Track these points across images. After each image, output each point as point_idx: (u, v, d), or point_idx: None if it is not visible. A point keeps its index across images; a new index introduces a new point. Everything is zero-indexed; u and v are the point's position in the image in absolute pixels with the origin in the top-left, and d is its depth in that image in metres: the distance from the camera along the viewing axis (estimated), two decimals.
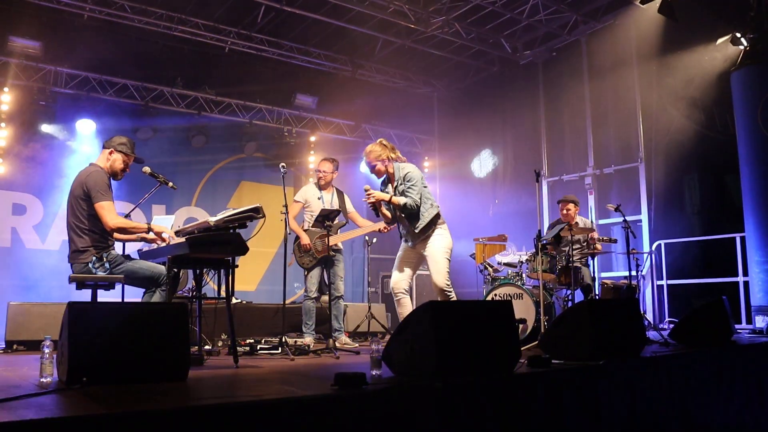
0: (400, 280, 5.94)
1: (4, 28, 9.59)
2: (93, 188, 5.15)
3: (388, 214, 5.95)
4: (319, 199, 7.54)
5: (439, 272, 5.78)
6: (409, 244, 5.98)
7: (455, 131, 13.26)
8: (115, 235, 5.35)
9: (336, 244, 7.38)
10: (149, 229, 5.23)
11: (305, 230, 7.41)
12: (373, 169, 5.95)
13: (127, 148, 5.51)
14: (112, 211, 5.15)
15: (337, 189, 7.76)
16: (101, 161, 5.45)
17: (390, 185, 5.99)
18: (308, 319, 7.32)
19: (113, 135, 5.66)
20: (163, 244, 5.21)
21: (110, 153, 5.45)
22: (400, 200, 5.75)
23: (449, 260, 5.87)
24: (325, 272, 7.41)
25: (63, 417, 2.44)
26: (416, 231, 5.82)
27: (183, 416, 2.65)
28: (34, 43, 9.72)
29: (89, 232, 5.16)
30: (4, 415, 2.48)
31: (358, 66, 12.42)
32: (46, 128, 9.99)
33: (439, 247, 5.82)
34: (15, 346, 6.77)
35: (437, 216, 5.89)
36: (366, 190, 5.80)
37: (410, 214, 5.80)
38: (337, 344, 6.81)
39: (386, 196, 5.78)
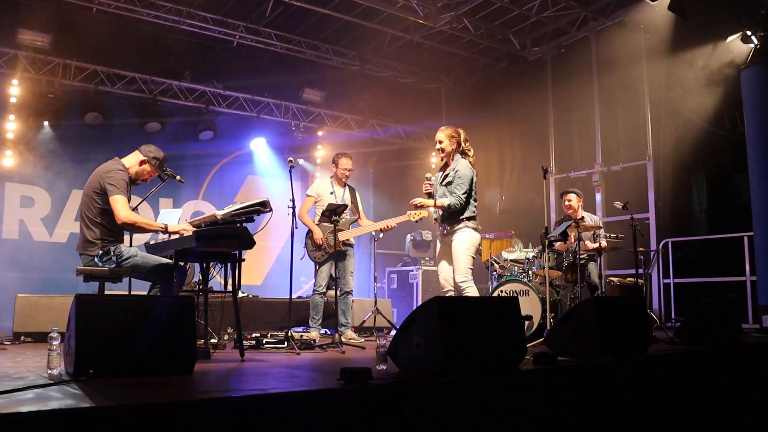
0: (449, 277, 6.07)
1: (13, 20, 9.61)
2: (110, 183, 5.16)
3: (430, 203, 6.14)
4: (331, 194, 7.53)
5: (457, 266, 5.94)
6: (443, 231, 6.15)
7: (463, 127, 13.18)
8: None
9: (348, 240, 7.39)
10: (166, 229, 5.22)
11: (317, 225, 7.39)
12: (440, 143, 6.23)
13: (158, 163, 5.55)
14: (125, 206, 5.16)
15: (349, 185, 7.75)
16: (128, 161, 5.45)
17: (441, 173, 6.25)
18: (315, 313, 7.32)
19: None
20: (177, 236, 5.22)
21: (142, 162, 5.48)
22: (444, 202, 5.99)
23: (473, 257, 6.02)
24: (334, 267, 7.39)
25: (69, 408, 2.45)
26: (442, 218, 6.11)
27: (189, 409, 2.65)
28: (43, 36, 9.74)
29: (100, 226, 5.18)
30: (12, 406, 2.49)
31: (366, 61, 12.41)
32: (54, 121, 10.00)
33: (462, 241, 5.97)
34: (23, 338, 6.80)
35: (469, 214, 6.08)
36: (428, 179, 6.13)
37: (451, 212, 6.05)
38: (343, 339, 6.82)
39: (430, 203, 6.06)
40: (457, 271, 5.92)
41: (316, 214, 7.53)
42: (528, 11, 10.74)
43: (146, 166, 5.50)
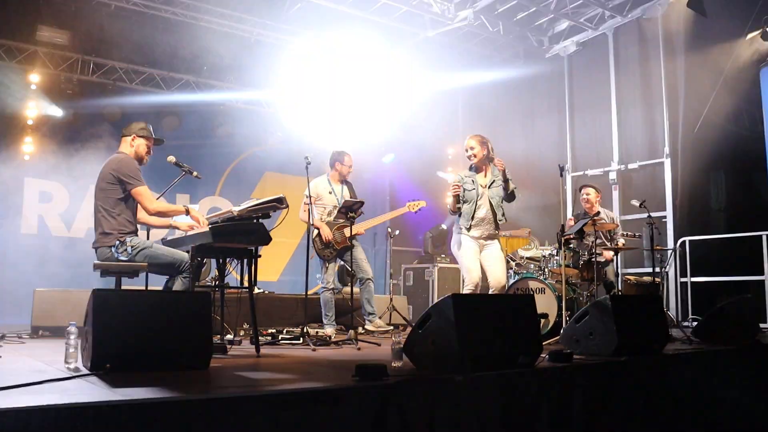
0: (480, 278, 6.37)
1: (33, 17, 9.67)
2: (126, 175, 5.22)
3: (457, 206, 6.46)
4: (330, 193, 7.56)
5: (504, 270, 6.45)
6: (475, 235, 6.42)
7: (479, 124, 13.17)
8: (150, 219, 5.43)
9: (352, 236, 7.45)
10: (187, 211, 5.27)
11: (325, 223, 7.42)
12: (471, 149, 6.54)
13: (147, 132, 5.60)
14: (149, 197, 5.24)
15: (345, 181, 7.78)
16: (125, 149, 5.50)
17: (479, 177, 6.55)
18: (327, 310, 7.36)
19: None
20: (192, 232, 5.25)
21: (133, 139, 5.52)
22: (512, 185, 6.42)
23: None
24: (345, 261, 7.43)
25: (86, 402, 2.47)
26: (498, 222, 6.46)
27: (205, 405, 2.66)
28: (62, 32, 9.81)
29: (117, 216, 5.22)
30: (30, 399, 2.51)
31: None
32: (72, 117, 10.07)
33: (501, 247, 6.53)
34: (41, 332, 6.85)
35: None
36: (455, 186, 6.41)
37: (506, 203, 6.53)
38: (371, 328, 6.88)
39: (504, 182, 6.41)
40: (504, 275, 6.44)
41: (320, 214, 7.52)
42: (545, 8, 10.70)
43: (139, 141, 5.54)
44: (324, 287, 7.39)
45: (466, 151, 6.57)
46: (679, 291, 9.89)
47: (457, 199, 6.36)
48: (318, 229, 7.37)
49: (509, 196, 6.46)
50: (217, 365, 4.02)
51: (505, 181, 6.38)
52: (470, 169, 6.63)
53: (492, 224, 6.45)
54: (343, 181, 7.76)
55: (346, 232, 7.15)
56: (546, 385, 3.84)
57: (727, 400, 5.06)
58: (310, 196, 6.80)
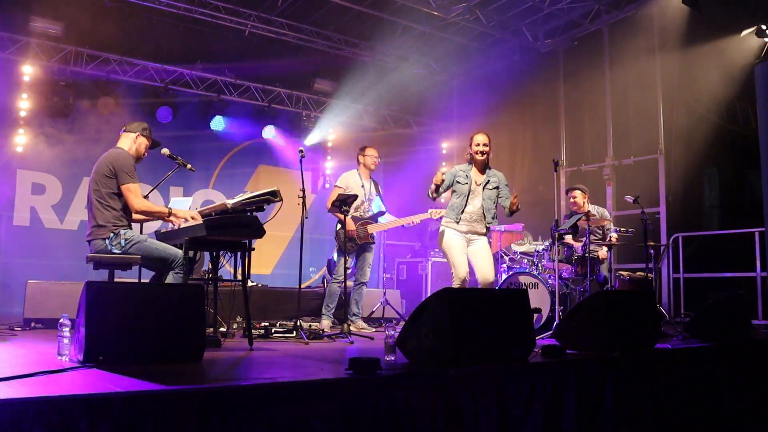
0: (468, 273, 6.42)
1: (26, 8, 9.62)
2: (121, 169, 5.24)
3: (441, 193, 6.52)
4: (362, 187, 7.59)
5: (492, 266, 6.45)
6: (463, 230, 6.48)
7: (474, 118, 13.17)
8: (136, 216, 5.42)
9: (373, 234, 7.51)
10: (170, 214, 5.29)
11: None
12: (485, 145, 6.57)
13: (149, 133, 5.66)
14: (138, 194, 5.26)
15: (373, 179, 7.83)
16: (125, 145, 5.52)
17: (474, 172, 6.61)
18: (331, 302, 7.42)
19: (132, 117, 5.75)
20: (185, 224, 5.24)
21: (137, 137, 5.57)
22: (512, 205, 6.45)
23: None
24: (353, 258, 7.48)
25: (79, 395, 2.46)
26: (488, 224, 6.55)
27: (197, 398, 2.66)
28: (56, 24, 9.76)
29: (110, 209, 5.23)
30: (22, 391, 2.51)
31: (378, 52, 12.37)
32: (65, 109, 10.02)
33: (488, 244, 6.60)
34: (33, 324, 6.84)
35: None
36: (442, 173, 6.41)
37: (497, 208, 6.61)
38: (353, 328, 6.87)
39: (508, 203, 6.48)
40: (493, 272, 6.47)
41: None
42: (541, 3, 10.68)
43: (142, 139, 5.61)
44: (334, 278, 7.43)
45: (477, 146, 6.56)
46: (671, 287, 9.92)
47: (437, 188, 6.37)
48: (343, 222, 7.37)
49: (509, 212, 6.51)
50: (210, 358, 4.02)
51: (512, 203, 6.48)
52: (468, 163, 6.66)
53: (481, 222, 6.51)
54: (370, 177, 7.81)
55: (369, 228, 7.23)
56: (539, 380, 3.85)
57: (718, 396, 5.08)
58: (303, 188, 6.77)
